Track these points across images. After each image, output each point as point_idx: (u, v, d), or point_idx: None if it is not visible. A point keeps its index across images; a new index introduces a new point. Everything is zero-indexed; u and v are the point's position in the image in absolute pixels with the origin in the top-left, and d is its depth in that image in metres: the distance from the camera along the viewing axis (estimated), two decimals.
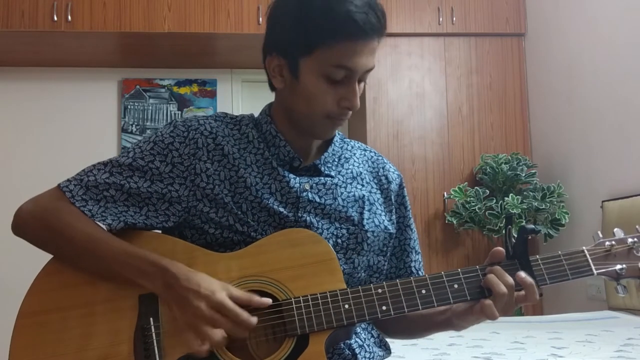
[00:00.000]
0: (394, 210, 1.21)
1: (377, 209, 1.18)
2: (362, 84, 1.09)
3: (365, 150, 1.26)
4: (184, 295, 0.96)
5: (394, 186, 1.23)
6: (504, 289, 1.01)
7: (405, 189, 1.26)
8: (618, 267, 1.06)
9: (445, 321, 1.11)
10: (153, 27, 3.71)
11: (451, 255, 3.74)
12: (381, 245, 1.18)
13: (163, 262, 0.99)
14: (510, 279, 1.01)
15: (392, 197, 1.22)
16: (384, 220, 1.18)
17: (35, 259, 1.16)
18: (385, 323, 1.20)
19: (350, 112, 1.09)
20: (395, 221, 1.21)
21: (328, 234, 1.10)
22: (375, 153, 1.27)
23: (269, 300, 0.99)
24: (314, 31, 1.02)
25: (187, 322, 0.97)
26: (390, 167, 1.25)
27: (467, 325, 1.09)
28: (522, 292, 1.02)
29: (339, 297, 1.01)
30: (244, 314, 0.95)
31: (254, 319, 0.96)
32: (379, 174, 1.22)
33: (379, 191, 1.20)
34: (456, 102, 3.92)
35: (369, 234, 1.14)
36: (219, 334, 0.95)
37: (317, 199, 1.11)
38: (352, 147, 1.24)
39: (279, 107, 1.16)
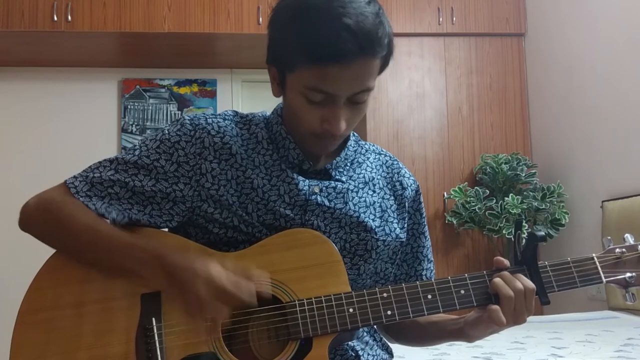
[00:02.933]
0: (407, 218, 1.19)
1: (389, 216, 1.15)
2: (359, 105, 1.03)
3: (380, 154, 1.22)
4: (183, 283, 0.96)
5: (408, 192, 1.20)
6: (510, 292, 0.99)
7: (421, 195, 1.23)
8: (628, 275, 1.04)
9: (457, 331, 1.09)
10: (153, 27, 3.71)
11: (451, 255, 3.75)
12: (390, 254, 1.16)
13: (161, 251, 0.99)
14: (519, 284, 1.00)
15: (407, 204, 1.19)
16: (395, 228, 1.16)
17: (36, 256, 1.16)
18: (395, 329, 1.19)
19: (337, 135, 1.04)
20: (408, 228, 1.19)
21: (336, 238, 1.08)
22: (390, 157, 1.23)
23: (267, 280, 0.97)
24: (292, 51, 0.99)
25: (190, 310, 0.97)
26: (405, 172, 1.22)
27: (480, 336, 1.06)
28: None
29: (344, 301, 1.00)
30: (248, 300, 0.95)
31: (252, 286, 0.96)
32: (394, 179, 1.20)
33: (392, 197, 1.18)
34: (456, 102, 3.92)
35: (379, 242, 1.12)
36: (223, 307, 0.95)
37: (327, 203, 1.09)
38: (367, 151, 1.20)
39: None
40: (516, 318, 1.00)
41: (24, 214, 1.08)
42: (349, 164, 1.16)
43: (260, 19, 3.74)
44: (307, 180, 1.10)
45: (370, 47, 0.97)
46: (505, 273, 1.02)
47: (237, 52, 4.06)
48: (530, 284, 1.01)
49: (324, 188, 1.10)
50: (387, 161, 1.22)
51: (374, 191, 1.16)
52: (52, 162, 4.05)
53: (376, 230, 1.12)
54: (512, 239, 1.07)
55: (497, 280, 1.01)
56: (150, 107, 4.28)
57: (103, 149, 4.09)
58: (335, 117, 1.01)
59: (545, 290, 1.02)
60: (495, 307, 0.99)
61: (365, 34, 0.95)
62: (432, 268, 1.24)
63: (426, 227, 1.23)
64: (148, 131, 4.23)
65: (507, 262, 1.05)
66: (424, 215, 1.23)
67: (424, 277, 1.22)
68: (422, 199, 1.23)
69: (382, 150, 1.24)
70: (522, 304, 1.00)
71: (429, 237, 1.24)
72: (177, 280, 0.97)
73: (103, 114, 4.24)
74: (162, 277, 0.98)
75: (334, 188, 1.11)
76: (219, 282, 0.95)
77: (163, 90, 4.30)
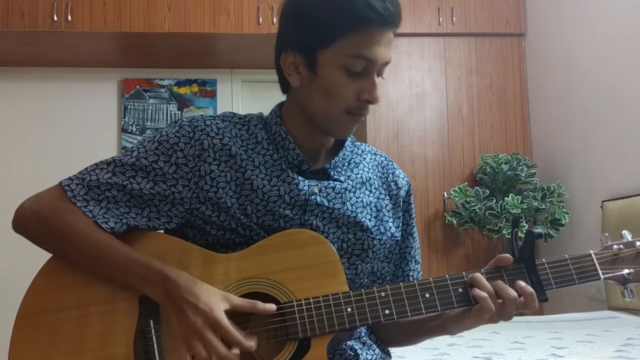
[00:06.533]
0: (401, 217, 1.20)
1: (384, 215, 1.16)
2: (379, 79, 1.08)
3: (375, 154, 1.24)
4: (182, 307, 0.95)
5: (402, 192, 1.21)
6: (483, 294, 0.99)
7: (412, 196, 1.24)
8: (626, 271, 1.03)
9: (438, 326, 1.09)
10: (153, 27, 3.70)
11: (451, 255, 3.74)
12: (386, 253, 1.17)
13: (166, 270, 0.98)
14: (510, 291, 0.99)
15: (401, 204, 1.20)
16: (391, 227, 1.16)
17: (35, 258, 1.15)
18: (383, 332, 1.19)
19: (369, 108, 1.08)
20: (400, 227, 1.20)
21: (334, 238, 1.09)
22: (385, 158, 1.25)
23: (273, 307, 0.98)
24: (333, 21, 1.02)
25: (181, 334, 0.96)
26: (400, 172, 1.24)
27: (462, 330, 1.06)
28: (522, 299, 1.00)
29: (342, 300, 1.00)
30: (240, 339, 0.94)
31: (252, 343, 0.95)
32: (389, 179, 1.21)
33: (387, 197, 1.19)
34: (456, 102, 3.91)
35: (375, 242, 1.12)
36: (209, 354, 0.93)
37: (326, 203, 1.09)
38: (363, 152, 1.22)
39: (293, 107, 1.14)
40: (505, 317, 1.01)
41: (19, 215, 1.06)
42: (346, 164, 1.16)
43: (260, 19, 3.74)
44: (306, 181, 1.10)
45: (400, 14, 1.06)
46: (478, 277, 1.01)
47: (237, 52, 4.06)
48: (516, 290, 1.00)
49: (323, 188, 1.11)
50: (382, 161, 1.23)
51: (370, 191, 1.17)
52: (52, 162, 4.05)
53: (372, 230, 1.12)
54: (510, 237, 1.07)
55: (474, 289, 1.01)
56: (150, 107, 4.28)
57: (103, 149, 4.09)
58: (374, 85, 1.06)
59: (543, 287, 1.02)
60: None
61: (398, 3, 1.06)
62: (419, 269, 1.24)
63: (415, 228, 1.24)
64: (148, 131, 4.23)
65: (510, 260, 1.04)
66: (413, 217, 1.24)
67: (410, 278, 1.22)
68: (412, 200, 1.24)
69: (377, 151, 1.25)
70: (512, 306, 1.00)
71: (417, 238, 1.24)
72: (176, 303, 0.96)
73: (103, 114, 4.24)
74: (162, 297, 0.98)
75: (333, 188, 1.11)
76: (217, 315, 0.93)
77: (163, 90, 4.30)
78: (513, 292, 0.99)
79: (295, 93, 1.12)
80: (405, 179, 1.24)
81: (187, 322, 0.94)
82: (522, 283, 1.00)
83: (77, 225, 1.02)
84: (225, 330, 0.94)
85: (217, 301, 0.96)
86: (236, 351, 0.94)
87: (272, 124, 1.14)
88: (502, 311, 1.00)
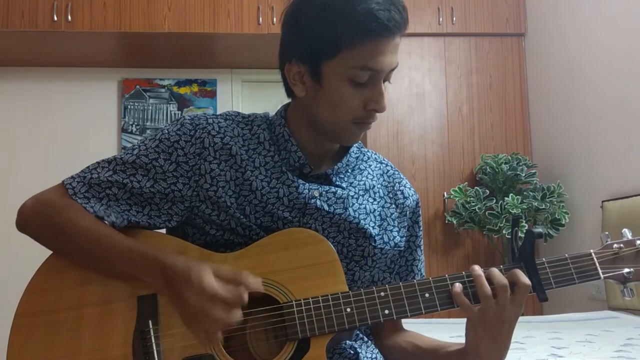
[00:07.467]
0: (407, 227, 1.19)
1: (388, 224, 1.15)
2: (386, 84, 1.06)
3: (381, 163, 1.22)
4: (181, 292, 0.95)
5: (410, 202, 1.19)
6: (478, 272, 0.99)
7: (421, 209, 1.22)
8: (626, 270, 1.02)
9: (461, 351, 1.06)
10: (153, 27, 3.70)
11: (451, 255, 3.74)
12: (388, 262, 1.16)
13: (162, 258, 0.98)
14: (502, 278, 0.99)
15: (408, 213, 1.19)
16: (395, 237, 1.15)
17: (34, 257, 1.15)
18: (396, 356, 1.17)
19: (376, 116, 1.06)
20: (405, 239, 1.18)
21: (334, 242, 1.08)
22: (392, 167, 1.23)
23: (259, 284, 0.96)
24: (336, 33, 0.99)
25: (187, 319, 0.96)
26: (406, 183, 1.22)
27: (478, 339, 1.01)
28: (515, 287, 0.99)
29: (341, 300, 1.00)
30: (234, 295, 0.93)
31: (246, 296, 0.93)
32: (395, 188, 1.19)
33: (393, 205, 1.17)
34: (456, 102, 3.91)
35: (377, 250, 1.12)
36: (216, 322, 0.93)
37: (326, 207, 1.08)
38: (369, 158, 1.20)
39: (299, 111, 1.12)
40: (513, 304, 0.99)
41: (21, 214, 1.07)
42: (349, 171, 1.15)
43: (260, 19, 3.74)
44: (307, 184, 1.09)
45: (407, 19, 1.03)
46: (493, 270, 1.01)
47: (237, 52, 4.06)
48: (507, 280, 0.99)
49: (323, 192, 1.09)
50: (388, 170, 1.21)
51: (374, 199, 1.15)
52: (52, 162, 4.05)
53: (375, 238, 1.11)
54: (510, 237, 1.07)
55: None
56: (150, 107, 4.28)
57: (103, 149, 4.09)
58: (381, 94, 1.04)
59: (543, 287, 1.01)
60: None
61: (402, 6, 1.03)
62: None
63: (422, 240, 1.23)
64: (148, 131, 4.23)
65: None
66: (421, 229, 1.22)
67: None
68: (421, 212, 1.23)
69: (383, 160, 1.24)
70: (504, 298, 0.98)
71: (423, 250, 1.23)
72: (174, 288, 0.96)
73: (103, 114, 4.24)
74: (161, 285, 0.98)
75: (334, 193, 1.10)
76: (211, 291, 0.93)
77: (163, 90, 4.30)
78: (504, 279, 0.98)
79: (302, 101, 1.10)
80: (412, 189, 1.23)
81: (188, 306, 0.95)
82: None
83: (77, 219, 1.02)
84: (219, 296, 0.92)
85: (205, 272, 0.94)
86: (239, 313, 0.94)
87: (276, 125, 1.13)
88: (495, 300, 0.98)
